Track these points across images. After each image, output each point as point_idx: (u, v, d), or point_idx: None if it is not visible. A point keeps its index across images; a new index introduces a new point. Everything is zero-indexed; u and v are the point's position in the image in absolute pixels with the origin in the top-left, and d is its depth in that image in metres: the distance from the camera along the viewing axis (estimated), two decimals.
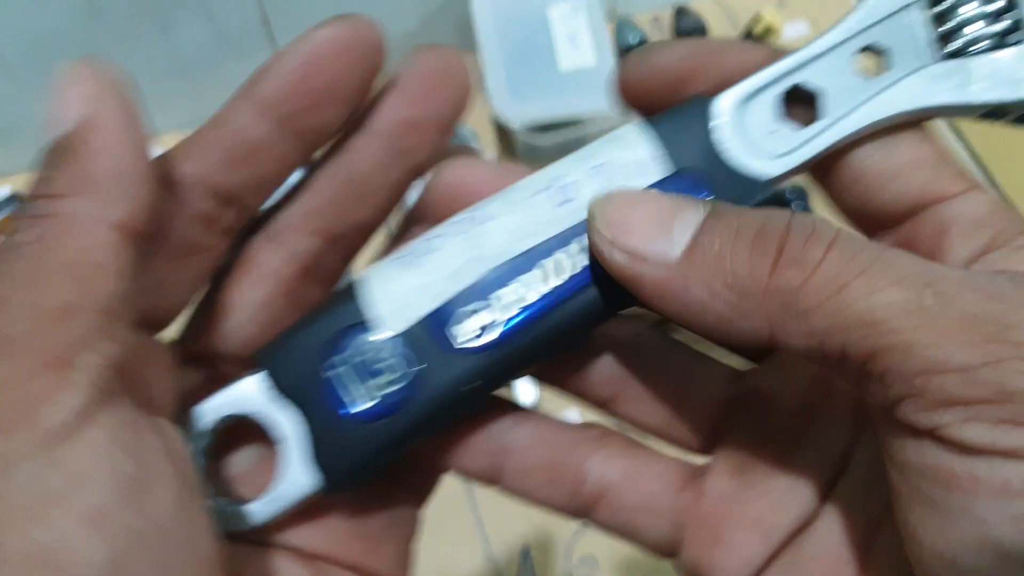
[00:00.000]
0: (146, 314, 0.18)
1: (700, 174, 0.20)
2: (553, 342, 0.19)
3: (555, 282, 0.19)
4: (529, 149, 0.75)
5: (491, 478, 0.22)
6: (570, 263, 0.19)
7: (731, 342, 0.17)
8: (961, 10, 0.19)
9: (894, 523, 0.17)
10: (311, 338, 0.19)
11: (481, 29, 0.76)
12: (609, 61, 0.76)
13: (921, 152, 0.20)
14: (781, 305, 0.16)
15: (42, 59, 0.72)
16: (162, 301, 0.19)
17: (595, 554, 0.61)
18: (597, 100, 0.72)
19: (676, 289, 0.17)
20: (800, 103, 0.21)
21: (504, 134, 0.79)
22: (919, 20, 0.20)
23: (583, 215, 0.19)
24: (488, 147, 0.80)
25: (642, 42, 0.83)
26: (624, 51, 0.83)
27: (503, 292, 0.19)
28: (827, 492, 0.20)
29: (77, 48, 0.73)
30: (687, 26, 0.84)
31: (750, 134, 0.20)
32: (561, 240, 0.19)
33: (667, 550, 0.22)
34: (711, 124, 0.20)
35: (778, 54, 0.20)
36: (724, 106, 0.20)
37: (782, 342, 0.16)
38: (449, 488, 0.69)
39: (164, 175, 0.17)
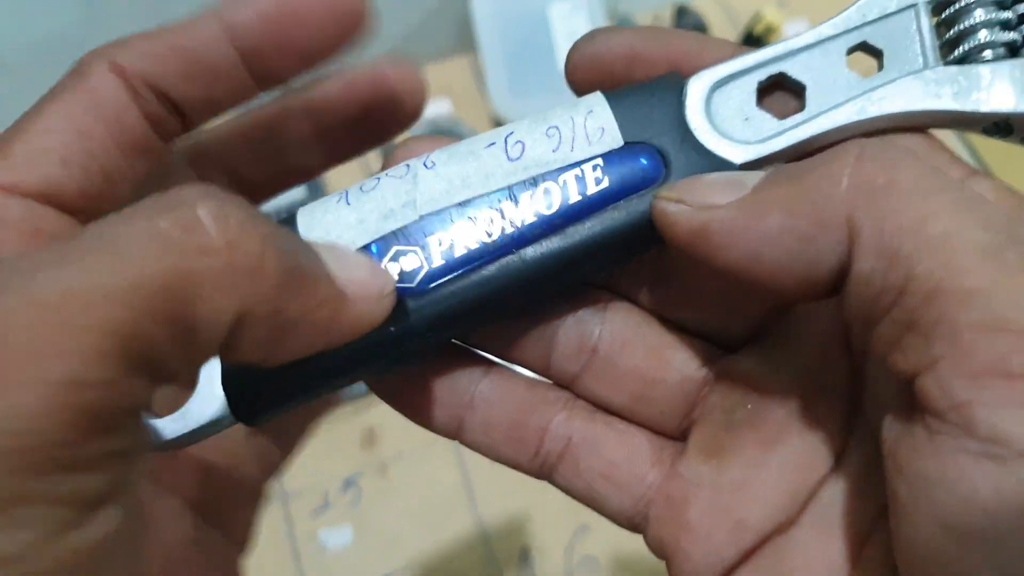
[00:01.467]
0: (87, 202, 0.18)
1: (656, 148, 0.19)
2: (485, 301, 0.19)
3: (486, 238, 0.18)
4: None
5: (451, 431, 0.21)
6: (506, 221, 0.19)
7: (807, 278, 0.16)
8: (968, 16, 0.18)
9: (887, 536, 0.15)
10: None
11: (481, 28, 0.76)
12: None
13: (909, 141, 0.18)
14: (865, 199, 0.14)
15: (42, 60, 0.72)
16: (105, 193, 0.18)
17: (596, 555, 0.61)
18: None
19: (751, 221, 0.16)
20: (784, 96, 0.20)
21: None
22: (920, 25, 0.19)
23: (527, 173, 0.19)
24: None
25: None
26: None
27: (431, 239, 0.18)
28: (813, 493, 0.19)
29: (76, 49, 0.73)
30: (687, 25, 0.84)
31: (724, 118, 0.19)
32: (499, 195, 0.19)
33: (631, 523, 0.21)
34: (683, 102, 0.19)
35: (742, 50, 0.20)
36: (698, 85, 0.19)
37: (853, 259, 0.15)
38: (449, 488, 0.69)
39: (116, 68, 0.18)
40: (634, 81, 0.20)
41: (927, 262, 0.13)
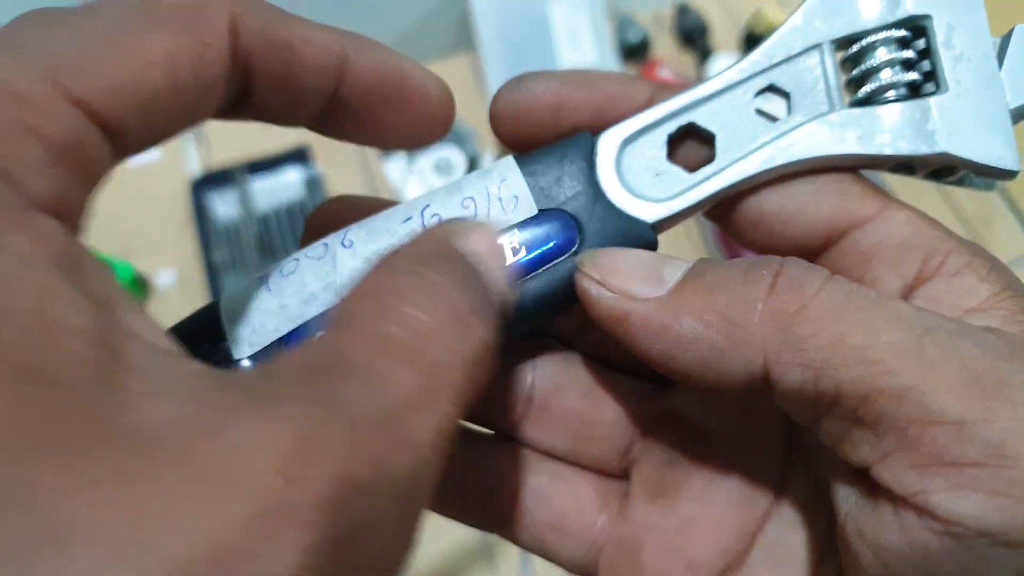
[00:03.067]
0: (125, 139, 0.15)
1: (570, 214, 0.19)
2: None
3: None
4: None
5: None
6: None
7: (720, 382, 0.16)
8: (871, 56, 0.18)
9: (833, 569, 0.16)
10: None
11: (481, 28, 0.76)
12: (610, 59, 0.75)
13: (820, 180, 0.19)
14: (778, 330, 0.15)
15: None
16: (146, 143, 0.16)
17: None
18: None
19: (667, 322, 0.17)
20: (694, 145, 0.20)
21: None
22: (825, 64, 0.19)
23: None
24: (488, 146, 0.80)
25: (643, 40, 0.82)
26: (625, 49, 0.82)
27: None
28: (759, 527, 0.19)
29: None
30: (688, 24, 0.84)
31: (636, 175, 0.19)
32: None
33: (583, 571, 0.21)
34: (594, 162, 0.19)
35: (662, 91, 0.20)
36: (608, 143, 0.19)
37: (775, 377, 0.15)
38: None
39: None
40: (559, 130, 0.20)
41: (854, 370, 0.14)
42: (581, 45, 0.76)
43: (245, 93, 0.17)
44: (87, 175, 0.14)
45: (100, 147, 0.14)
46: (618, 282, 0.17)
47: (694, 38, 0.83)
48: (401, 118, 0.18)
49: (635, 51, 0.82)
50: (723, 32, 0.84)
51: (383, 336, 0.13)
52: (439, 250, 0.16)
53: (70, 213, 0.13)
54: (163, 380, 0.11)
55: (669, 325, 0.17)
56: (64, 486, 0.10)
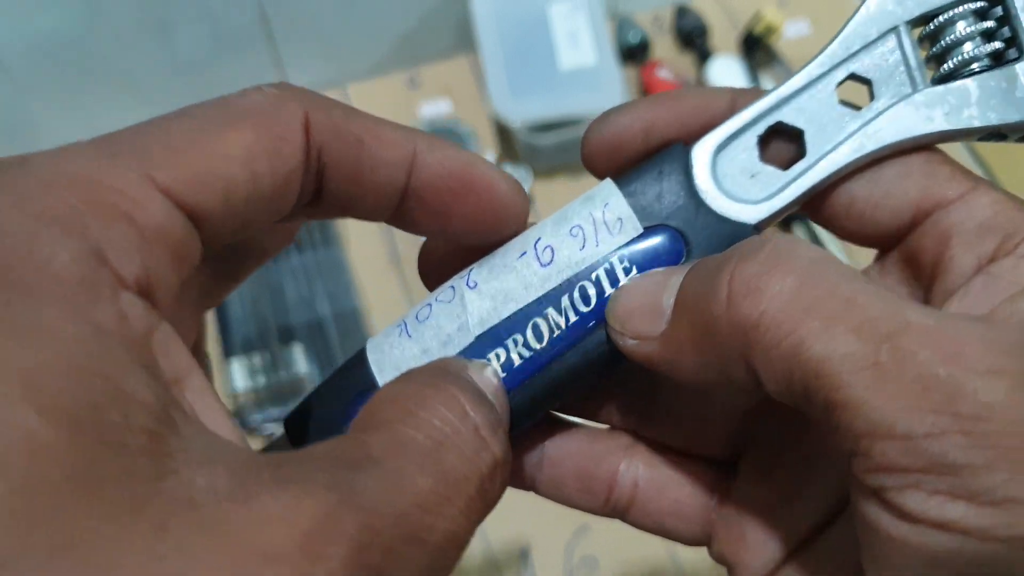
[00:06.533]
0: (214, 234, 0.16)
1: (675, 228, 0.20)
2: (546, 399, 0.20)
3: (539, 345, 0.20)
4: (529, 148, 0.75)
5: (526, 487, 0.22)
6: (552, 325, 0.19)
7: (751, 392, 0.17)
8: (951, 31, 0.18)
9: None
10: (330, 405, 0.21)
11: (481, 28, 0.76)
12: (610, 60, 0.75)
13: (909, 161, 0.19)
14: (747, 344, 0.15)
15: (41, 61, 0.72)
16: (228, 235, 0.17)
17: (596, 554, 0.61)
18: (597, 99, 0.72)
19: (676, 356, 0.17)
20: (783, 142, 0.20)
21: (504, 133, 0.79)
22: (903, 46, 0.19)
23: (562, 276, 0.20)
24: (488, 147, 0.80)
25: (643, 41, 0.82)
26: (625, 50, 0.82)
27: (490, 357, 0.20)
28: (847, 499, 0.21)
29: (76, 50, 0.72)
30: (687, 25, 0.84)
31: (732, 179, 0.20)
32: (542, 303, 0.20)
33: (698, 543, 0.23)
34: (690, 172, 0.20)
35: (741, 95, 0.20)
36: (702, 153, 0.20)
37: (764, 386, 0.16)
38: None
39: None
40: (651, 150, 0.20)
41: (812, 383, 0.15)
42: (581, 46, 0.76)
43: (321, 187, 0.18)
44: (175, 257, 0.15)
45: (186, 232, 0.15)
46: (632, 326, 0.18)
47: (693, 39, 0.83)
48: (471, 210, 0.19)
49: (634, 52, 0.82)
50: (722, 34, 0.85)
51: (404, 439, 0.14)
52: (454, 373, 0.17)
53: (158, 291, 0.14)
54: (205, 454, 0.13)
55: (678, 361, 0.17)
56: (114, 535, 0.11)
